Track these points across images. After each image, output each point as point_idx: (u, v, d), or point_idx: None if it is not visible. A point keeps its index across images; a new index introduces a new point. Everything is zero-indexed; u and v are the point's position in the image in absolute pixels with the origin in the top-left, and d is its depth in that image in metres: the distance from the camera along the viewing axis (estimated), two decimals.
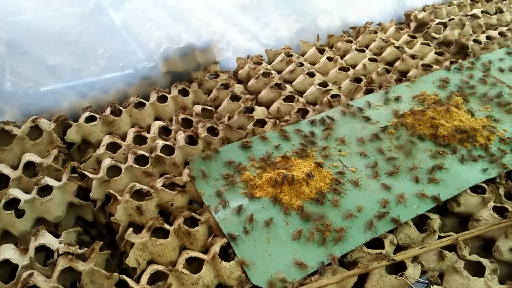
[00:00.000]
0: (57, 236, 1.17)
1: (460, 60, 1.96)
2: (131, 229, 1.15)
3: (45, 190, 1.24)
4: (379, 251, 1.16)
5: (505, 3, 2.58)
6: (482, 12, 2.41)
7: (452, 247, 1.20)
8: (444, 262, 1.17)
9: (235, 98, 1.69)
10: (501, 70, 1.92)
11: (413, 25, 2.31)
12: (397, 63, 1.96)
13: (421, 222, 1.27)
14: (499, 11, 2.49)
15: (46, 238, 1.11)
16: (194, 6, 1.87)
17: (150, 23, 1.78)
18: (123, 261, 1.13)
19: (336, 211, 1.24)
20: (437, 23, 2.25)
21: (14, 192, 1.21)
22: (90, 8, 1.64)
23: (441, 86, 1.78)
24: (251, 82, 1.84)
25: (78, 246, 1.12)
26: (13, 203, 1.19)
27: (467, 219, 1.33)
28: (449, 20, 2.27)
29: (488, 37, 2.15)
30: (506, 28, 2.32)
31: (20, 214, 1.18)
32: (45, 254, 1.14)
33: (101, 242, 1.12)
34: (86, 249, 1.12)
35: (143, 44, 1.79)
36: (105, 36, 1.70)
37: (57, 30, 1.59)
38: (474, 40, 2.11)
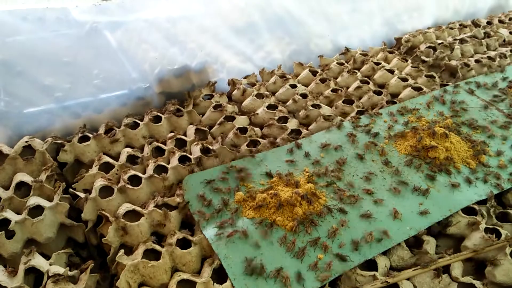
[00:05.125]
0: (46, 257, 1.15)
1: (450, 83, 2.00)
2: (122, 250, 1.14)
3: (36, 210, 1.23)
4: (372, 273, 1.15)
5: (493, 27, 2.65)
6: (470, 36, 2.47)
7: (445, 269, 1.20)
8: (437, 284, 1.17)
9: (229, 118, 1.71)
10: (492, 91, 1.96)
11: (403, 49, 2.36)
12: (388, 86, 2.00)
13: (414, 244, 1.27)
14: (487, 35, 2.56)
15: (36, 260, 1.10)
16: (189, 29, 1.90)
17: (145, 45, 1.80)
18: (114, 283, 1.11)
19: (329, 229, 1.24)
20: (426, 47, 2.30)
21: (5, 212, 1.20)
22: (86, 30, 1.66)
23: (431, 108, 1.80)
24: (245, 103, 1.86)
25: (68, 268, 1.10)
26: (3, 224, 1.17)
27: (459, 241, 1.33)
28: (439, 44, 2.33)
29: (476, 61, 2.20)
30: (494, 52, 2.38)
31: (10, 235, 1.16)
32: (35, 276, 1.12)
33: (92, 264, 1.11)
34: (76, 271, 1.10)
35: (138, 65, 1.80)
36: (100, 57, 1.72)
37: (52, 50, 1.61)
38: (463, 64, 2.16)
